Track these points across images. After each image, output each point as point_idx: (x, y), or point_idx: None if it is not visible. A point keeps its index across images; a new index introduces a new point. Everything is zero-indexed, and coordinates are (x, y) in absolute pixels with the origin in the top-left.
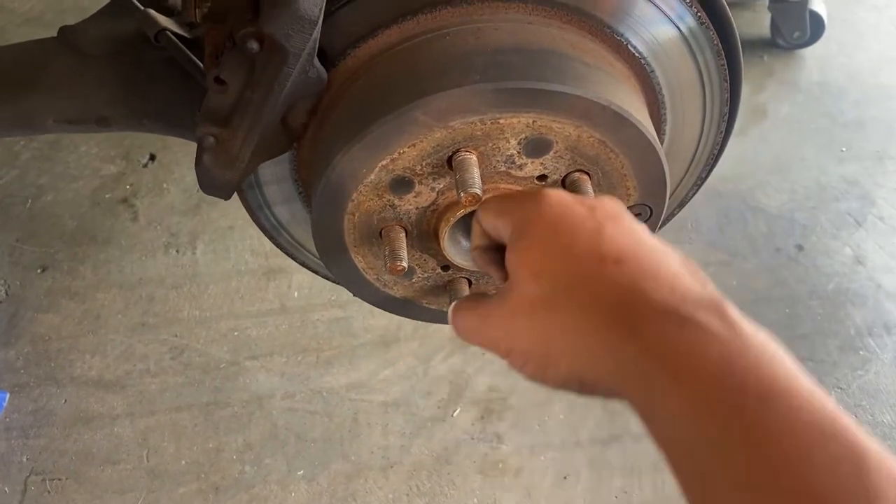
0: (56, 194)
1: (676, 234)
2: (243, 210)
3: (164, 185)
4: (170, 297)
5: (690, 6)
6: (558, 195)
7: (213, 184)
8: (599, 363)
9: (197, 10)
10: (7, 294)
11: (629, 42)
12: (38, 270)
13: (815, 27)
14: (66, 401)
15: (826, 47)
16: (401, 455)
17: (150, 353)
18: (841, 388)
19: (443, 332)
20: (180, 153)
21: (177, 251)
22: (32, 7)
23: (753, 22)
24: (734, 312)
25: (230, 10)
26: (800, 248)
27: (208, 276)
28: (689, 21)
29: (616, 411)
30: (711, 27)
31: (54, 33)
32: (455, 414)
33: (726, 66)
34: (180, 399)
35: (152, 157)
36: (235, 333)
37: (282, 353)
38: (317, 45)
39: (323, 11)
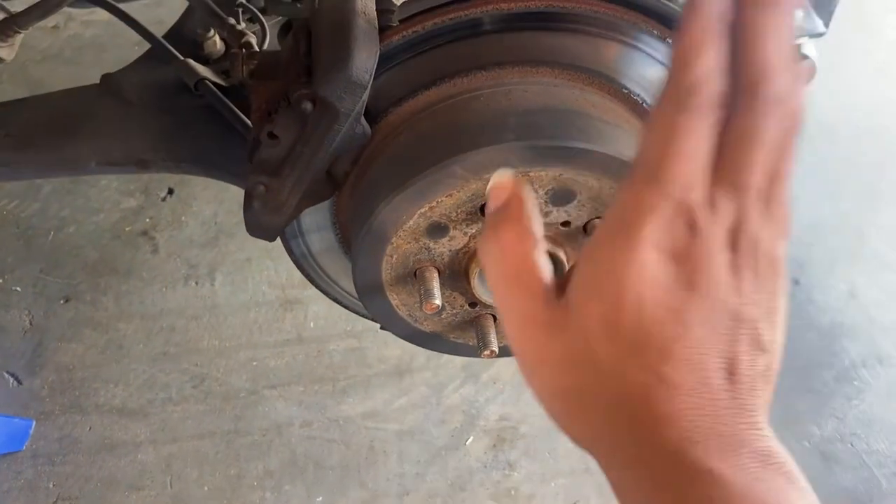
0: (78, 227)
1: None
2: (260, 242)
3: (183, 219)
4: (190, 328)
5: None
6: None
7: (261, 227)
8: (618, 459)
9: (244, 67)
10: (31, 324)
11: (644, 101)
12: (62, 301)
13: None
14: (90, 428)
15: (818, 89)
16: (416, 483)
17: (171, 382)
18: (837, 418)
19: (455, 362)
20: (198, 187)
21: (196, 283)
22: (51, 44)
23: None
24: None
25: (278, 69)
26: (796, 282)
27: (227, 308)
28: None
29: None
30: None
31: (74, 70)
32: (468, 442)
33: None
34: (202, 427)
35: (171, 192)
36: (254, 363)
37: (299, 383)
38: (364, 106)
39: (373, 77)
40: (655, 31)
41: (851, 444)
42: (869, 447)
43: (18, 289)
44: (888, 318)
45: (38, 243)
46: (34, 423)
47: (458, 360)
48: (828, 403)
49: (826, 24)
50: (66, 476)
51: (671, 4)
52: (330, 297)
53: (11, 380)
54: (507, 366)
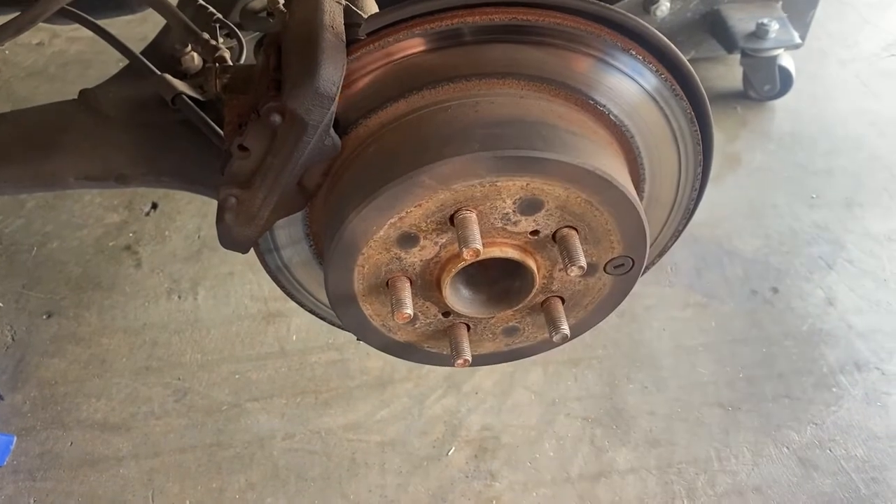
0: (61, 242)
1: (656, 278)
2: (242, 257)
3: (166, 233)
4: (173, 342)
5: (664, 79)
6: None
7: (234, 240)
8: None
9: (217, 81)
10: (13, 339)
11: (611, 112)
12: (44, 316)
13: (785, 80)
14: (72, 443)
15: (796, 99)
16: (398, 494)
17: (154, 396)
18: (816, 424)
19: (436, 373)
20: (182, 202)
21: (179, 297)
22: (35, 61)
23: (727, 75)
24: None
25: (250, 82)
26: (775, 290)
27: (209, 321)
28: (664, 93)
29: (603, 448)
30: (685, 98)
31: (58, 86)
32: (450, 453)
33: (699, 132)
34: (184, 440)
35: (154, 206)
36: (236, 376)
37: (281, 395)
38: (333, 118)
39: (340, 89)
40: (619, 44)
41: (830, 450)
42: (847, 453)
43: (1, 304)
44: (866, 324)
45: (20, 259)
46: (15, 438)
47: (440, 371)
48: (807, 410)
49: (802, 37)
50: (47, 492)
51: (634, 18)
52: (307, 310)
53: None
54: (489, 376)
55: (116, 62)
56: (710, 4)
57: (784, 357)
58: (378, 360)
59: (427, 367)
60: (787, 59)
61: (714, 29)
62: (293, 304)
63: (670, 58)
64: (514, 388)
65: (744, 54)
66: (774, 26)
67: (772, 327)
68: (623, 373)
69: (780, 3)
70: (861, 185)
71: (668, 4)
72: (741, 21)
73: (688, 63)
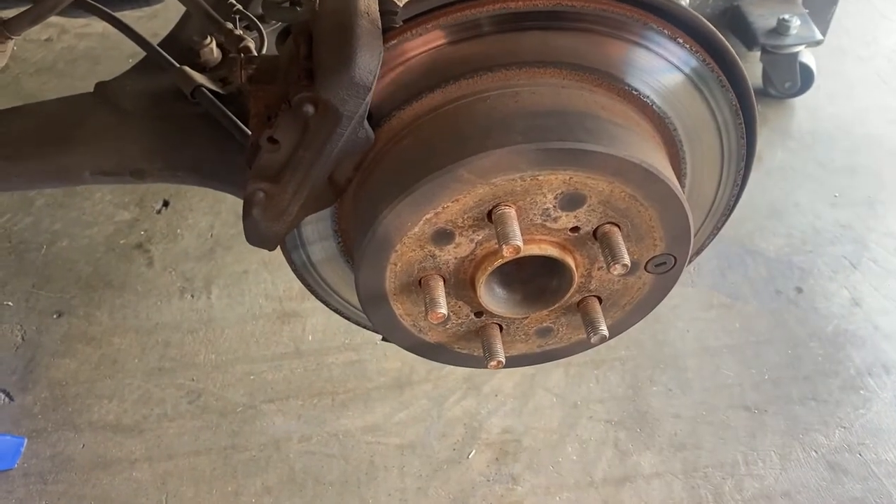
0: (71, 240)
1: (680, 278)
2: (257, 255)
3: (178, 231)
4: (186, 342)
5: (711, 70)
6: None
7: (261, 235)
8: None
9: (242, 72)
10: (23, 339)
11: (654, 102)
12: (55, 316)
13: (805, 78)
14: (84, 446)
15: (816, 97)
16: (418, 498)
17: (167, 397)
18: (844, 427)
19: (456, 374)
20: (194, 199)
21: (192, 296)
22: (44, 56)
23: (746, 72)
24: None
25: (277, 73)
26: (799, 290)
27: (223, 321)
28: (710, 83)
29: (627, 452)
30: (730, 88)
31: (67, 82)
32: (470, 456)
33: (743, 124)
34: (198, 443)
35: (166, 204)
36: (251, 377)
37: (298, 397)
38: (368, 109)
39: (377, 78)
40: (665, 31)
41: (860, 454)
42: (877, 457)
43: (10, 303)
44: (893, 325)
45: (30, 257)
46: (26, 440)
47: (459, 372)
48: (834, 413)
49: (823, 33)
50: (58, 495)
51: (680, 3)
52: (331, 308)
53: (3, 397)
54: (510, 377)
55: (126, 58)
56: (730, 0)
57: (810, 358)
58: (396, 362)
59: (446, 368)
60: (808, 56)
61: (734, 25)
62: (309, 303)
63: (716, 46)
64: (535, 390)
65: (764, 51)
66: (796, 22)
67: (797, 328)
68: (646, 374)
69: None
70: (883, 182)
71: (687, 0)
72: (762, 17)
73: (733, 52)
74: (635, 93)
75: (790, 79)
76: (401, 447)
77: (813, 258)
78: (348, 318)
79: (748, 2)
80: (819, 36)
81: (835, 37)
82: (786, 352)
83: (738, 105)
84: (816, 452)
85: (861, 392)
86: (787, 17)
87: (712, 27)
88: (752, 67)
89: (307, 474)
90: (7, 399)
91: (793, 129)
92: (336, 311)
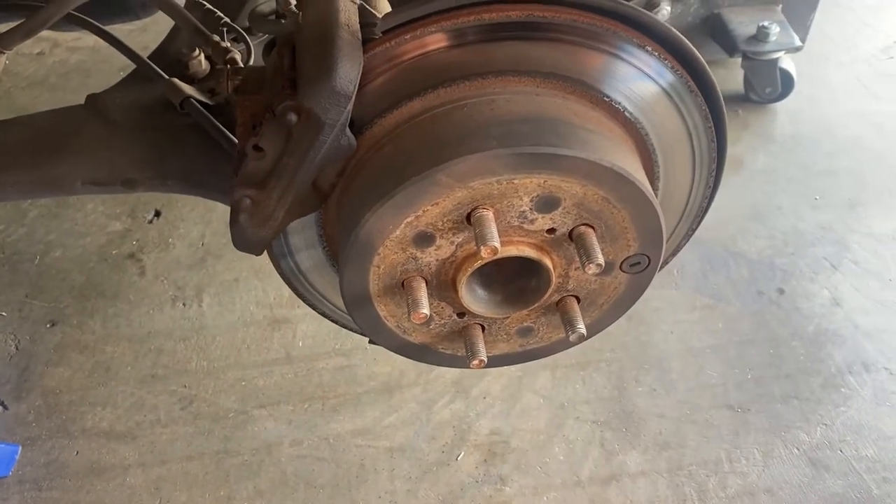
0: (64, 251)
1: (663, 280)
2: (247, 262)
3: (170, 241)
4: (178, 349)
5: (680, 76)
6: None
7: (247, 241)
8: None
9: (229, 82)
10: (17, 349)
11: (625, 109)
12: (48, 325)
13: (786, 83)
14: (77, 452)
15: (797, 101)
16: (407, 499)
17: (160, 403)
18: (825, 425)
19: (444, 378)
20: (185, 209)
21: (184, 304)
22: (36, 70)
23: (728, 78)
24: None
25: (262, 83)
26: (780, 291)
27: (215, 328)
28: (679, 89)
29: (613, 451)
30: (699, 94)
31: (59, 95)
32: (459, 458)
33: (713, 128)
34: (191, 448)
35: (157, 214)
36: (243, 383)
37: (289, 402)
38: (349, 117)
39: (357, 87)
40: (635, 40)
41: (841, 451)
42: (858, 453)
43: (4, 314)
44: (872, 324)
45: (23, 268)
46: (20, 448)
47: (448, 376)
48: (816, 410)
49: (802, 39)
50: (53, 501)
51: (650, 14)
52: (321, 314)
53: None
54: (497, 380)
55: (117, 71)
56: (711, 8)
57: (792, 358)
58: (386, 366)
59: (435, 372)
60: (788, 62)
61: (715, 32)
62: (299, 310)
63: (684, 53)
64: (523, 393)
65: (745, 57)
66: (775, 29)
67: (779, 328)
68: (631, 375)
69: (781, 6)
70: (863, 185)
71: (669, 8)
72: (742, 24)
73: (701, 58)
74: (607, 99)
75: (771, 84)
76: (390, 450)
77: (794, 259)
78: (338, 323)
79: (729, 10)
80: (798, 42)
81: (817, 43)
82: (768, 351)
83: (707, 109)
84: (798, 449)
85: (842, 390)
86: (766, 24)
87: (680, 35)
88: (734, 74)
89: (299, 478)
90: (1, 408)
91: (775, 133)
92: (326, 316)
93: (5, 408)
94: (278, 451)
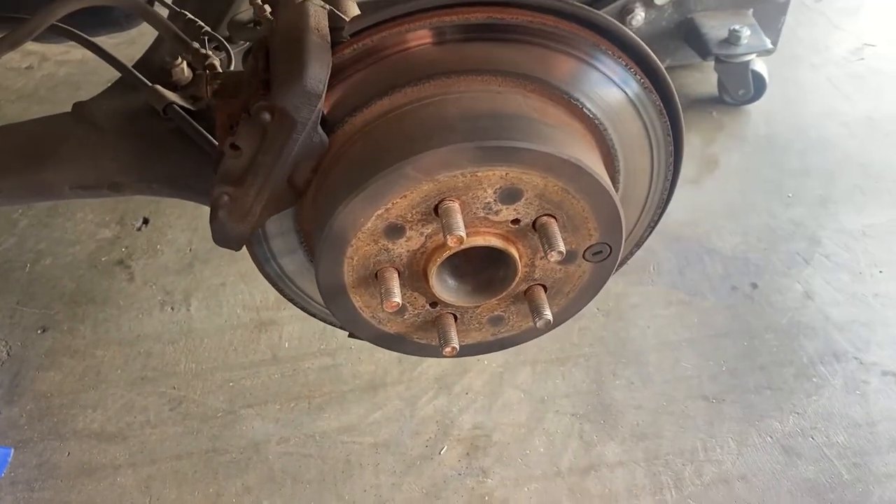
0: (54, 259)
1: (640, 277)
2: (234, 267)
3: (158, 247)
4: (167, 352)
5: (635, 74)
6: None
7: (227, 236)
8: None
9: (208, 87)
10: (9, 355)
11: (584, 106)
12: (39, 331)
13: (758, 84)
14: (69, 454)
15: (770, 103)
16: (392, 493)
17: (149, 405)
18: (798, 413)
19: (428, 375)
20: (172, 216)
21: (172, 308)
22: (25, 84)
23: (703, 81)
24: None
25: (241, 86)
26: (754, 286)
27: (203, 331)
28: (633, 86)
29: (591, 443)
30: (654, 90)
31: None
32: (442, 451)
33: (668, 122)
34: (180, 448)
35: (146, 221)
36: (231, 384)
37: (275, 401)
38: (320, 115)
39: (326, 87)
40: (591, 40)
41: (812, 438)
42: (829, 440)
43: None
44: (843, 316)
45: (14, 276)
46: (13, 450)
47: (431, 373)
48: (788, 400)
49: (774, 42)
50: (45, 502)
51: (601, 14)
52: (310, 314)
53: None
54: (479, 376)
55: (105, 83)
56: (684, 13)
57: (765, 349)
58: (370, 365)
59: (418, 369)
60: (759, 64)
61: (688, 36)
62: (285, 312)
63: (636, 51)
64: (504, 388)
65: (718, 60)
66: (746, 32)
67: (753, 321)
68: (609, 369)
69: (752, 10)
70: (834, 183)
71: (643, 14)
72: (714, 28)
73: (653, 56)
74: (566, 97)
75: (743, 86)
76: (375, 445)
77: (768, 255)
78: (325, 321)
79: (701, 14)
80: (769, 45)
81: (789, 46)
82: (742, 344)
83: (661, 105)
84: (771, 437)
85: (813, 380)
86: (737, 27)
87: (630, 33)
88: (709, 77)
89: (286, 474)
90: None
91: (748, 134)
92: (314, 315)
93: None
94: (266, 449)
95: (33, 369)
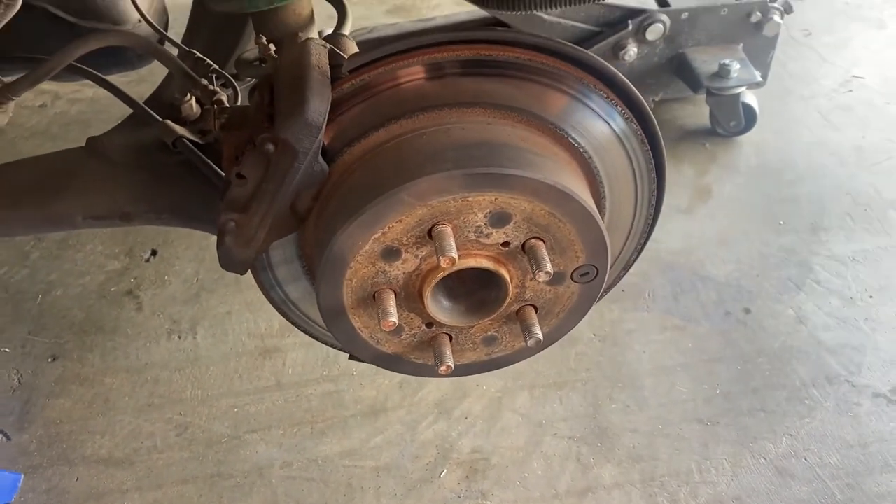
0: (65, 289)
1: (635, 303)
2: (239, 297)
3: (166, 278)
4: (173, 380)
5: (616, 106)
6: None
7: (232, 261)
8: None
9: (216, 121)
10: (20, 382)
11: (569, 136)
12: (50, 359)
13: (749, 116)
14: (78, 479)
15: (761, 134)
16: None
17: (156, 431)
18: (791, 435)
19: (427, 400)
20: (180, 248)
21: (179, 337)
22: (39, 121)
23: (695, 114)
24: None
25: (245, 120)
26: (747, 311)
27: (208, 359)
28: (617, 119)
29: (589, 465)
30: (636, 122)
31: (60, 144)
32: (442, 475)
33: (650, 152)
34: (186, 472)
35: (154, 253)
36: (235, 410)
37: (279, 426)
38: (321, 146)
39: (326, 119)
40: (574, 74)
41: (805, 459)
42: (822, 461)
43: (7, 350)
44: (835, 340)
45: (26, 307)
46: (23, 476)
47: (431, 398)
48: (781, 422)
49: (764, 76)
50: None
51: (580, 49)
52: (312, 337)
53: (0, 436)
54: (478, 401)
55: (115, 120)
56: (675, 48)
57: (758, 373)
58: (371, 391)
59: (419, 395)
60: (750, 97)
61: (680, 71)
62: (289, 339)
63: (619, 86)
64: (503, 412)
65: (709, 93)
66: (736, 66)
67: (746, 346)
68: (606, 394)
69: (741, 45)
70: (825, 211)
71: (636, 49)
72: (705, 63)
73: (631, 86)
74: (552, 127)
75: (734, 118)
76: (377, 469)
77: (760, 281)
78: (327, 344)
79: (692, 49)
80: (758, 78)
81: (779, 79)
82: (736, 368)
83: (642, 134)
84: (765, 459)
85: (806, 402)
86: (727, 61)
87: (612, 68)
88: (701, 109)
89: (289, 497)
90: (4, 438)
91: (740, 164)
92: (317, 338)
93: (8, 438)
94: (269, 473)
95: (44, 397)
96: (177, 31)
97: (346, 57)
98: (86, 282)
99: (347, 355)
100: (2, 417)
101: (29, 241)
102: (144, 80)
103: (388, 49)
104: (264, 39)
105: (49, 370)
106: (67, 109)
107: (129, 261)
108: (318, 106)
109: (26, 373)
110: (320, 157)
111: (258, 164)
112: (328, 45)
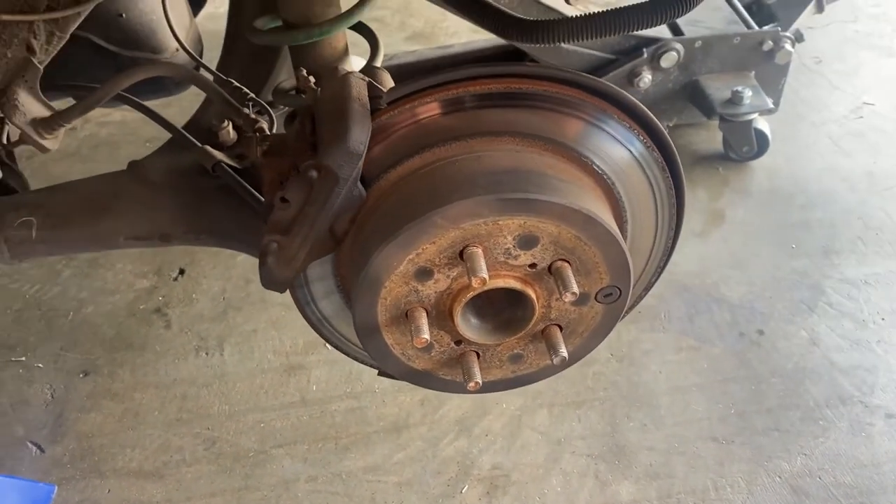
0: (95, 307)
1: (651, 324)
2: (265, 314)
3: (194, 296)
4: (201, 395)
5: (638, 135)
6: None
7: (274, 280)
8: None
9: (258, 147)
10: (53, 397)
11: (594, 163)
12: (81, 375)
13: (761, 142)
14: (109, 491)
15: (774, 159)
16: None
17: (185, 445)
18: (805, 455)
19: (449, 417)
20: (207, 267)
21: (206, 354)
22: (69, 143)
23: (709, 139)
24: None
25: (286, 147)
26: (761, 332)
27: (235, 375)
28: (637, 146)
29: (606, 482)
30: (655, 149)
31: (90, 166)
32: (463, 490)
33: (671, 178)
34: (214, 485)
35: (182, 272)
36: (262, 425)
37: (304, 441)
38: (360, 172)
39: (366, 148)
40: (598, 105)
41: (820, 478)
42: (836, 480)
43: (41, 365)
44: (847, 362)
45: (58, 323)
46: (56, 487)
47: (452, 416)
48: (796, 441)
49: (776, 102)
50: None
51: (603, 81)
52: (343, 353)
53: (34, 449)
54: (498, 419)
55: (143, 143)
56: (689, 75)
57: (772, 393)
58: (394, 407)
59: (440, 412)
60: (762, 123)
61: (693, 97)
62: (313, 356)
63: (639, 114)
64: (522, 430)
65: (722, 119)
66: (748, 93)
67: (759, 366)
68: (623, 412)
69: (753, 72)
70: (836, 235)
71: (650, 76)
72: (718, 90)
73: (653, 116)
74: (576, 155)
75: (747, 143)
76: (399, 484)
77: (773, 303)
78: (357, 359)
79: (706, 77)
80: (770, 105)
81: (790, 105)
82: (750, 388)
83: (663, 162)
84: (780, 478)
85: (820, 422)
86: (740, 88)
87: (632, 98)
88: (714, 135)
89: None
90: (38, 451)
91: (753, 188)
92: (346, 353)
93: (42, 451)
94: (295, 487)
95: (76, 411)
96: (207, 57)
97: (385, 90)
98: (116, 300)
99: (371, 372)
100: (35, 430)
101: (60, 260)
102: (170, 105)
103: (423, 83)
104: (304, 72)
105: (81, 385)
106: (97, 132)
107: (157, 279)
108: (360, 135)
109: (59, 387)
110: (359, 183)
111: (301, 189)
112: (367, 79)
